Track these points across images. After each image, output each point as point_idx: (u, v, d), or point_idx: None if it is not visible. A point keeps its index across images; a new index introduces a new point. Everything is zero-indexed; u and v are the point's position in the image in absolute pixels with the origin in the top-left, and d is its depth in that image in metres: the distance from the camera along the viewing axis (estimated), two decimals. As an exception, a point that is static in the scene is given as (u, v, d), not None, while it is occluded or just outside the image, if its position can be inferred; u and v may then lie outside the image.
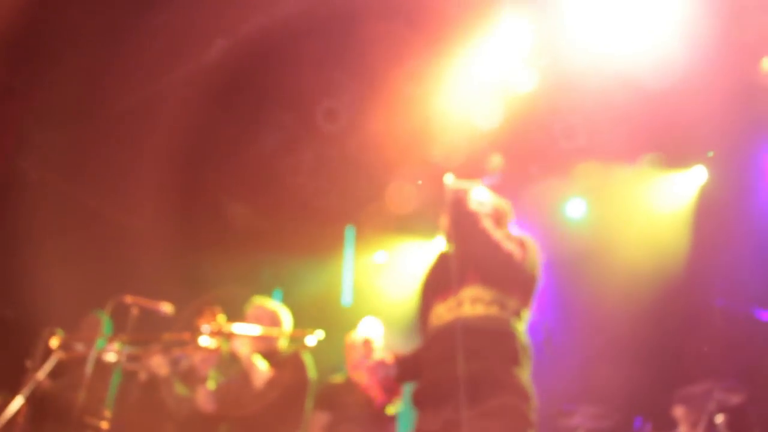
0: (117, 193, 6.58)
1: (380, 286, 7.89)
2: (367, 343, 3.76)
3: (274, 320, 4.05)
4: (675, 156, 6.96)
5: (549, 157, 7.34)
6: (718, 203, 6.69)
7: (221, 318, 3.78)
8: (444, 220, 3.07)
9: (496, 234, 2.86)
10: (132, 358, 4.41)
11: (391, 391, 2.85)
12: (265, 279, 8.16)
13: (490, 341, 2.69)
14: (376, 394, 2.88)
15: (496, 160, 4.69)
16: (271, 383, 3.63)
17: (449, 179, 3.02)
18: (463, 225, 2.89)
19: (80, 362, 3.99)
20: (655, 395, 5.70)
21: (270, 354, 3.89)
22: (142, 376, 4.58)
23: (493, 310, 2.78)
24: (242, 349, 3.69)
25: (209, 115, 6.46)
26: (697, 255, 6.54)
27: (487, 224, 2.89)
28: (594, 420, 5.29)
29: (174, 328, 4.77)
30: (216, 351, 3.76)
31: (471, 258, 2.87)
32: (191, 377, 4.73)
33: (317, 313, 7.06)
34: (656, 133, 6.78)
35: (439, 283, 2.99)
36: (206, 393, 3.80)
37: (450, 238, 3.01)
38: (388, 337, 7.56)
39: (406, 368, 2.99)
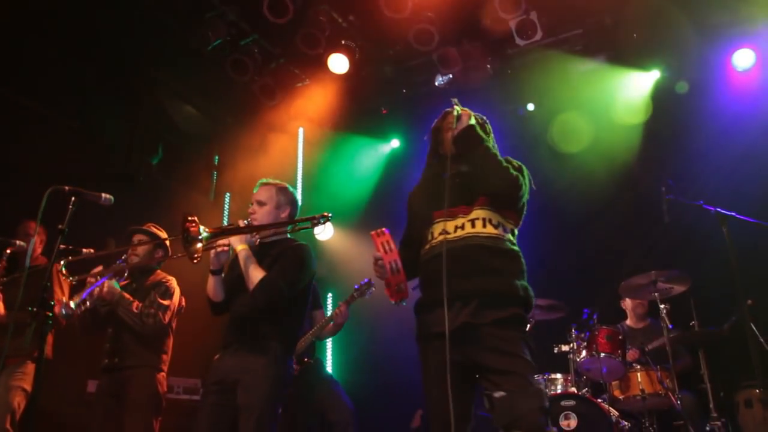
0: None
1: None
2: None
3: (280, 201, 3.72)
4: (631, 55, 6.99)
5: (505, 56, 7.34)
6: (672, 101, 6.77)
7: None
8: (446, 140, 3.19)
9: (503, 160, 3.08)
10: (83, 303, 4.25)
11: (401, 290, 2.88)
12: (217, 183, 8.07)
13: (504, 259, 2.96)
14: (390, 291, 2.90)
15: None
16: (258, 288, 3.40)
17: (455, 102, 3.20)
18: (475, 149, 3.07)
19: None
20: (602, 287, 5.86)
21: (274, 243, 3.69)
22: (102, 310, 4.48)
23: (500, 232, 3.02)
24: (235, 245, 3.52)
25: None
26: (648, 150, 6.65)
27: (495, 150, 3.13)
28: (544, 312, 5.40)
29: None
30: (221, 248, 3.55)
31: (483, 181, 3.04)
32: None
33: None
34: (612, 33, 6.83)
35: (440, 200, 3.03)
36: (216, 283, 3.60)
37: (458, 159, 3.12)
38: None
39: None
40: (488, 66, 7.40)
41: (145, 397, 4.34)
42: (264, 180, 3.79)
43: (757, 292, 4.95)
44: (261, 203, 3.68)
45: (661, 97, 6.93)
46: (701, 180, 5.89)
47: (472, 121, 3.15)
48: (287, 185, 3.81)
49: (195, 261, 3.26)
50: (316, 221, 3.41)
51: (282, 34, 6.97)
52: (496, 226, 3.01)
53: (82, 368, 5.17)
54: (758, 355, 4.48)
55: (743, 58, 6.54)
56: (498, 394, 2.70)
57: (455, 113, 3.15)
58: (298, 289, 3.53)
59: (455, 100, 3.21)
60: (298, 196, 3.86)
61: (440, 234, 3.01)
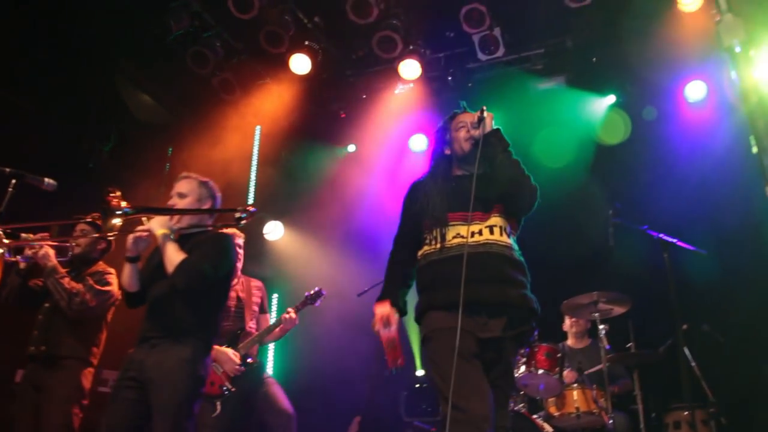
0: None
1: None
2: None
3: (201, 194, 3.71)
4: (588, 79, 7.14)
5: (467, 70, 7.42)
6: (625, 126, 6.92)
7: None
8: (458, 139, 3.22)
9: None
10: (17, 249, 4.17)
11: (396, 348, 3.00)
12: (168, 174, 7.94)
13: (521, 270, 3.04)
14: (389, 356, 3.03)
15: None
16: (178, 270, 3.33)
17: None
18: (503, 153, 3.10)
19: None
20: (544, 305, 5.92)
21: (193, 233, 3.61)
22: (22, 264, 4.37)
23: (512, 242, 3.08)
24: (155, 229, 3.44)
25: None
26: (598, 173, 6.77)
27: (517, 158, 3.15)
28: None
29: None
30: (141, 233, 3.47)
31: (511, 188, 3.06)
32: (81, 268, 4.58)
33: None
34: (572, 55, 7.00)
35: (455, 201, 3.06)
36: (132, 272, 3.51)
37: (468, 160, 3.16)
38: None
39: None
40: (449, 78, 7.47)
41: (68, 390, 4.25)
42: (185, 173, 3.76)
43: (692, 318, 5.08)
44: (182, 195, 3.65)
45: (615, 121, 7.07)
46: (649, 206, 6.01)
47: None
48: (209, 180, 3.78)
49: (110, 237, 3.20)
50: (241, 212, 3.37)
51: (245, 29, 6.92)
52: (509, 235, 3.08)
53: (12, 356, 5.02)
54: (689, 379, 4.61)
55: (695, 90, 6.71)
56: None
57: (483, 115, 3.15)
58: (219, 277, 3.46)
59: (484, 107, 3.20)
60: (251, 195, 3.86)
61: (455, 237, 3.00)
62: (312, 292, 5.27)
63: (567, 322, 5.98)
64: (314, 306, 5.28)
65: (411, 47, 7.01)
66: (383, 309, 3.04)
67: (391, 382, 6.25)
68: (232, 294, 5.08)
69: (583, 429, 5.03)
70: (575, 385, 5.09)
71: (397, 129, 7.81)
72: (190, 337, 3.33)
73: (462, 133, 3.22)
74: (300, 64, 7.13)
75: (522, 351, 5.20)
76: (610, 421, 4.90)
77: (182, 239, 3.52)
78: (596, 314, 5.18)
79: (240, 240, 5.17)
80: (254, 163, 8.35)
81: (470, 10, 6.39)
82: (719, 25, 1.54)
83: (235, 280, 5.14)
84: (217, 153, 7.53)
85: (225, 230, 3.70)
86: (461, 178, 3.19)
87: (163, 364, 3.23)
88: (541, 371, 4.95)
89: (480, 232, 3.01)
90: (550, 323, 5.92)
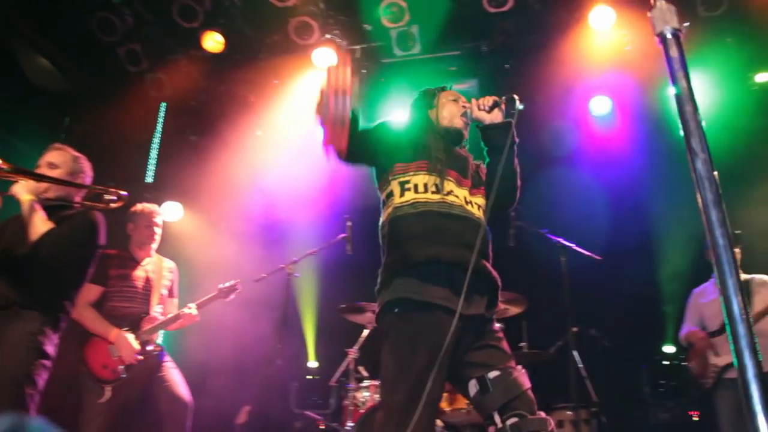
0: None
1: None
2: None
3: (74, 168, 3.58)
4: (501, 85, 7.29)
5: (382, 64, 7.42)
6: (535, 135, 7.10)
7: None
8: (458, 119, 3.06)
9: None
10: None
11: (338, 137, 2.49)
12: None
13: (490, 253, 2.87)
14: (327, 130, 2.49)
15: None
16: (44, 239, 3.19)
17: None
18: (510, 149, 2.90)
19: None
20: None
21: (61, 207, 3.47)
22: None
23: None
24: (21, 194, 3.24)
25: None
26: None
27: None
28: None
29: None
30: None
31: (506, 186, 2.88)
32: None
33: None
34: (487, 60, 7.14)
35: (453, 163, 2.92)
36: None
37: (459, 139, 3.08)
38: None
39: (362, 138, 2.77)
40: (363, 71, 7.45)
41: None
42: (58, 144, 3.60)
43: (582, 321, 5.27)
44: (53, 166, 3.49)
45: (525, 129, 7.24)
46: (551, 211, 6.20)
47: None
48: (82, 156, 3.64)
49: None
50: (112, 193, 3.23)
51: (159, 0, 6.65)
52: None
53: None
54: (576, 380, 4.77)
55: (599, 105, 6.98)
56: (493, 374, 2.58)
57: (518, 106, 2.92)
58: (81, 255, 3.35)
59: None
60: (149, 173, 3.70)
61: (449, 194, 2.80)
62: (226, 285, 5.04)
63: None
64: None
65: (328, 36, 6.95)
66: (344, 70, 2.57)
67: (283, 372, 6.15)
68: (141, 275, 4.82)
69: (473, 424, 5.11)
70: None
71: (307, 118, 7.72)
72: (39, 310, 3.20)
73: (456, 107, 3.09)
74: (213, 42, 6.92)
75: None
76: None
77: (48, 210, 3.36)
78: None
79: (158, 218, 4.96)
80: (156, 140, 8.03)
81: (390, 4, 6.41)
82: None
83: (147, 260, 4.91)
84: (117, 127, 7.20)
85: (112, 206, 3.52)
86: (446, 141, 3.05)
87: (7, 334, 3.10)
88: (435, 366, 4.98)
89: (471, 204, 2.86)
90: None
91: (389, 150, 2.93)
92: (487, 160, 3.05)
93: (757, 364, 1.20)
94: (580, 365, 5.07)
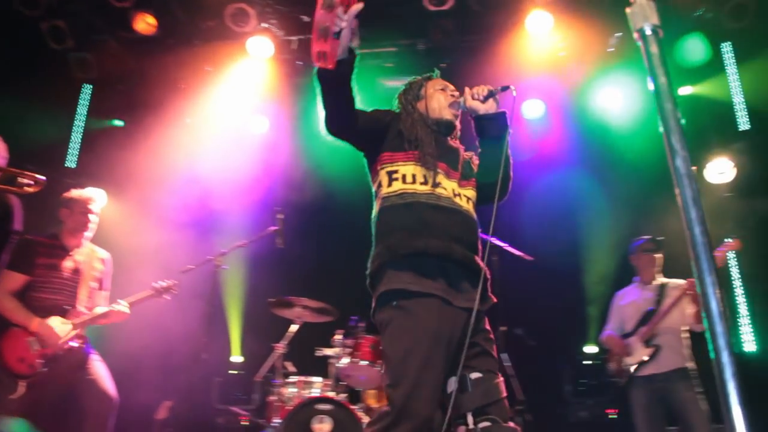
0: None
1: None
2: None
3: None
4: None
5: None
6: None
7: None
8: (446, 110, 2.99)
9: None
10: None
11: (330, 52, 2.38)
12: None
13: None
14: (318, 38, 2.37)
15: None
16: None
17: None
18: (504, 140, 2.90)
19: None
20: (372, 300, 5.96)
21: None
22: None
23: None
24: None
25: None
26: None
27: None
28: (314, 314, 5.37)
29: None
30: None
31: (491, 176, 2.83)
32: None
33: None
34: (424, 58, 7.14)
35: (443, 155, 2.86)
36: None
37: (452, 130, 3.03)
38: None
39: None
40: (299, 62, 7.35)
41: None
42: None
43: (512, 321, 5.33)
44: None
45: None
46: (486, 210, 6.24)
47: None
48: None
49: None
50: (29, 177, 3.08)
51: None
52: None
53: None
54: (503, 378, 4.81)
55: (533, 108, 7.10)
56: (474, 375, 2.57)
57: (497, 91, 2.89)
58: None
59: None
60: (71, 158, 3.51)
61: (438, 186, 2.75)
62: (162, 284, 4.84)
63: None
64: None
65: (264, 25, 6.82)
66: None
67: (206, 367, 5.99)
68: (70, 265, 4.54)
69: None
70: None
71: (238, 108, 7.56)
72: None
73: (445, 96, 3.02)
74: (145, 24, 6.68)
75: (347, 342, 5.19)
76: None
77: None
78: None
79: (95, 205, 4.71)
80: (80, 124, 7.69)
81: (329, -3, 6.32)
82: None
83: (78, 249, 4.63)
84: (37, 107, 6.86)
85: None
86: (436, 132, 2.98)
87: None
88: (364, 362, 4.95)
89: (460, 197, 2.82)
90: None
91: (377, 135, 2.87)
92: (480, 150, 3.01)
93: (735, 363, 1.20)
94: (507, 364, 5.13)
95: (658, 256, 5.25)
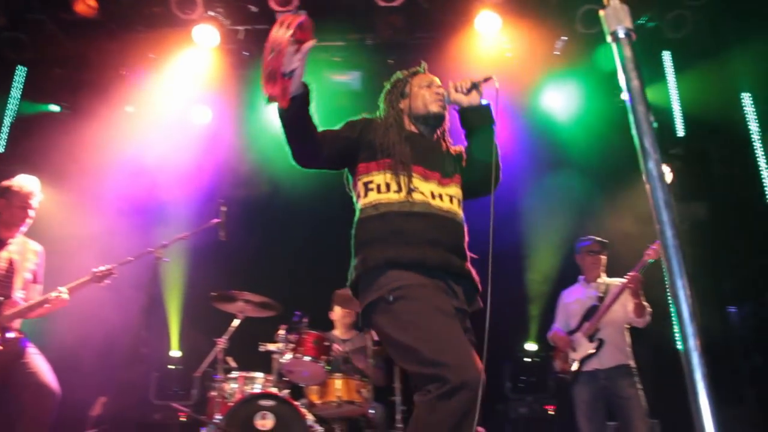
0: None
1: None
2: None
3: None
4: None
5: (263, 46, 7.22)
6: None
7: None
8: (434, 104, 2.96)
9: None
10: None
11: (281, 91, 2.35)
12: None
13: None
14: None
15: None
16: None
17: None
18: (486, 133, 2.89)
19: None
20: (316, 294, 5.92)
21: None
22: None
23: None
24: None
25: None
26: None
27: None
28: (256, 308, 5.29)
29: None
30: None
31: (478, 170, 2.84)
32: None
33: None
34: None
35: (420, 157, 2.81)
36: None
37: (440, 122, 3.00)
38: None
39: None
40: (245, 53, 7.24)
41: None
42: None
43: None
44: None
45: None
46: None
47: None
48: None
49: None
50: None
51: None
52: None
53: None
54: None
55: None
56: None
57: (480, 82, 2.88)
58: None
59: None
60: (1, 143, 3.34)
61: (414, 191, 2.71)
62: (101, 269, 4.66)
63: (336, 313, 6.02)
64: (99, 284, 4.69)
65: (211, 13, 6.68)
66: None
67: (144, 361, 5.85)
68: (4, 256, 4.34)
69: (342, 418, 5.09)
70: (339, 374, 5.12)
71: (182, 97, 7.37)
72: None
73: (430, 93, 2.98)
74: (85, 6, 6.44)
75: (290, 337, 5.13)
76: (371, 411, 5.01)
77: None
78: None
79: (35, 200, 4.51)
80: (12, 107, 7.37)
81: (279, -13, 6.25)
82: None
83: (11, 241, 4.44)
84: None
85: None
86: (416, 134, 2.95)
87: None
88: (307, 358, 4.90)
89: (441, 197, 2.77)
90: (319, 311, 5.94)
91: (349, 153, 2.85)
92: (467, 144, 3.01)
93: (706, 365, 1.22)
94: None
95: (603, 257, 5.38)
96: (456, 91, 2.94)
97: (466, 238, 2.81)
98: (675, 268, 1.30)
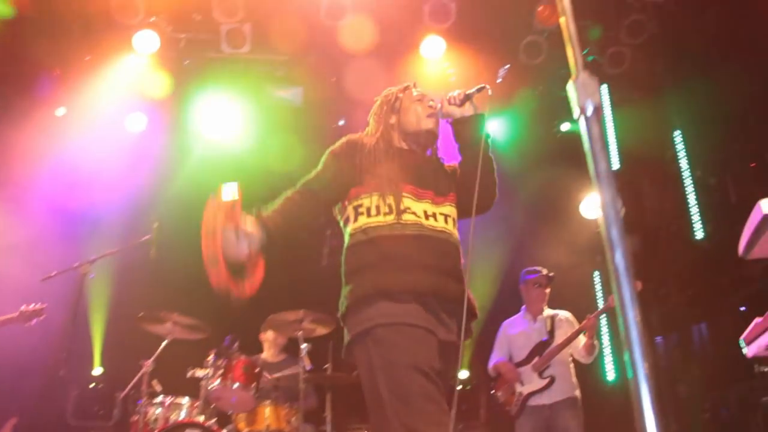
0: None
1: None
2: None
3: None
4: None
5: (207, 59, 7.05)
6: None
7: None
8: (426, 120, 2.83)
9: None
10: None
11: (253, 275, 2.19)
12: None
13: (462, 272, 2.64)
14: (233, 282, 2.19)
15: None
16: None
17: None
18: (479, 145, 2.73)
19: None
20: (247, 318, 5.77)
21: None
22: None
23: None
24: None
25: None
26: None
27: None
28: (184, 330, 5.13)
29: None
30: None
31: (482, 189, 2.65)
32: None
33: None
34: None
35: (411, 175, 2.68)
36: None
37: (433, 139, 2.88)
38: None
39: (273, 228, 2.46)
40: (186, 61, 7.05)
41: None
42: None
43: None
44: None
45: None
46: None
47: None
48: None
49: None
50: None
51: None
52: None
53: None
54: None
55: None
56: None
57: (472, 93, 2.73)
58: None
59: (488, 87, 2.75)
60: None
61: (405, 211, 2.57)
62: (29, 308, 4.44)
63: (267, 335, 5.90)
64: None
65: (152, 18, 6.48)
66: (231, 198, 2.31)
67: (63, 380, 5.58)
68: None
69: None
70: (268, 402, 5.01)
71: (118, 103, 7.10)
72: None
73: (422, 107, 2.83)
74: (18, 1, 6.15)
75: (219, 362, 4.98)
76: (301, 439, 4.92)
77: None
78: (300, 332, 5.14)
79: None
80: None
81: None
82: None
83: None
84: None
85: None
86: (406, 151, 2.82)
87: None
88: (236, 385, 4.77)
89: (434, 216, 2.63)
90: (251, 333, 5.80)
91: (345, 181, 2.71)
92: (460, 158, 2.87)
93: (654, 392, 1.19)
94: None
95: (548, 291, 5.41)
96: (449, 103, 2.80)
97: (462, 260, 2.67)
98: (625, 295, 1.28)
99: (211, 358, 4.98)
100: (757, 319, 3.00)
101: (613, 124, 7.33)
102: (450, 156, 2.99)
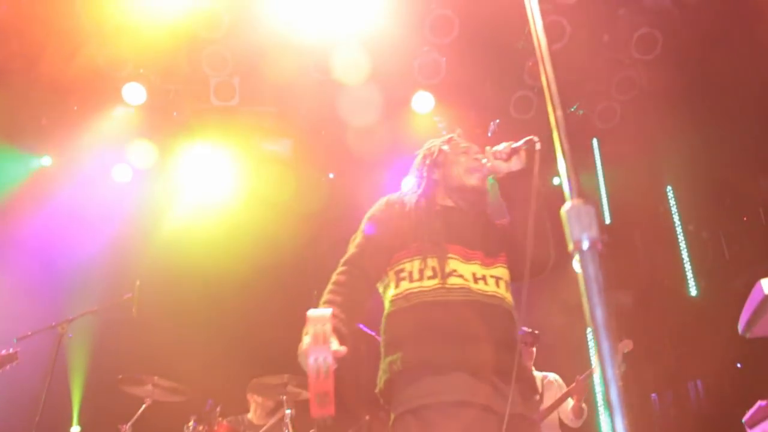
0: None
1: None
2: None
3: None
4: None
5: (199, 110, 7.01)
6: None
7: None
8: (471, 175, 2.60)
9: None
10: None
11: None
12: None
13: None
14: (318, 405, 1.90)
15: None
16: None
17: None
18: (527, 202, 2.42)
19: None
20: (231, 381, 5.63)
21: None
22: None
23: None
24: None
25: None
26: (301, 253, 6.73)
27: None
28: (164, 393, 4.99)
29: None
30: None
31: (537, 249, 2.39)
32: None
33: None
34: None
35: (456, 234, 2.46)
36: None
37: (482, 196, 2.63)
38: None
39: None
40: (175, 113, 7.00)
41: None
42: None
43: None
44: None
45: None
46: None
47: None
48: None
49: None
50: None
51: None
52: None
53: None
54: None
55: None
56: None
57: (522, 146, 2.48)
58: None
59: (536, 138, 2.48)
60: None
61: (451, 274, 2.35)
62: (2, 353, 4.31)
63: (257, 398, 5.73)
64: None
65: (142, 70, 6.44)
66: (322, 320, 2.00)
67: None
68: None
69: None
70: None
71: (104, 153, 7.01)
72: None
73: (467, 160, 2.64)
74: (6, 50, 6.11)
75: (200, 428, 4.81)
76: None
77: None
78: (284, 396, 5.00)
79: None
80: None
81: (213, 53, 6.09)
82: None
83: None
84: None
85: None
86: (452, 209, 2.60)
87: None
88: (217, 452, 4.61)
89: (484, 280, 2.40)
90: (235, 398, 5.64)
91: (386, 249, 2.50)
92: (510, 216, 2.64)
93: None
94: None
95: (534, 350, 5.29)
96: (495, 157, 2.55)
97: (517, 328, 2.43)
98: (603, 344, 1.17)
99: (191, 424, 4.81)
100: (761, 402, 2.89)
101: (603, 178, 7.30)
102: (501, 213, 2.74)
